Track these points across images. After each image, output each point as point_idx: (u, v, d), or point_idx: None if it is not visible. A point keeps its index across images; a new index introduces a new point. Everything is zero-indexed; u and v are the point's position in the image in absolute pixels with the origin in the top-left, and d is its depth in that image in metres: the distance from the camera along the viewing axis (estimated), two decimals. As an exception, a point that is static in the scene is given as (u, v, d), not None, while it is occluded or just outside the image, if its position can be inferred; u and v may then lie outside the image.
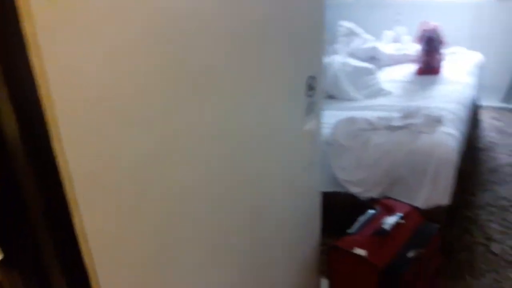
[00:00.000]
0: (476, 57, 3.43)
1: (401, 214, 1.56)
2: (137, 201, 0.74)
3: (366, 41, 3.42)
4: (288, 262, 1.39)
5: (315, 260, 1.61)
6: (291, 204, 1.33)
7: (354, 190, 2.26)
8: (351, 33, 3.44)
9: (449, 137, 2.13)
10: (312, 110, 1.30)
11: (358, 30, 3.54)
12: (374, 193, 2.21)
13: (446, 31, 4.09)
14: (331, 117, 2.45)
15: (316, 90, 1.27)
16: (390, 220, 1.52)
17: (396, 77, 3.08)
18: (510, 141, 3.36)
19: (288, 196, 1.30)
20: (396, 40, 3.69)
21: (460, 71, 3.07)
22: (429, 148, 2.08)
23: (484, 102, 4.02)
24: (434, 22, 3.09)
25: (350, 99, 2.76)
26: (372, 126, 2.29)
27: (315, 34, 1.26)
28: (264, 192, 1.16)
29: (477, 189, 2.77)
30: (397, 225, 1.53)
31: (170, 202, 0.81)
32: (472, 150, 3.23)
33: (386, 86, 2.90)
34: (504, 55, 4.22)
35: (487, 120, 3.76)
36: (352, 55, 3.23)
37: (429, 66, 3.02)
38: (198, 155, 0.86)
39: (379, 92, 2.82)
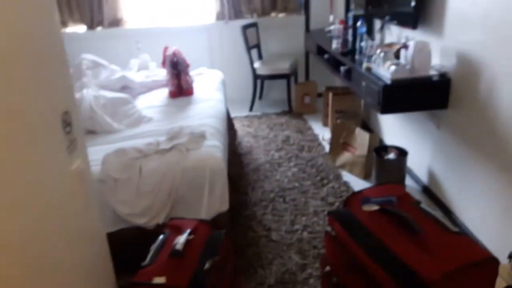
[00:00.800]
0: (218, 75, 3.81)
1: (189, 231, 1.58)
2: None
3: (113, 71, 3.36)
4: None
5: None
6: (75, 251, 1.17)
7: (140, 221, 2.18)
8: (97, 65, 3.33)
9: (214, 149, 2.28)
10: (74, 148, 1.18)
11: (103, 61, 3.46)
12: (160, 219, 2.19)
13: (189, 54, 4.42)
14: (97, 152, 2.31)
15: (73, 125, 1.16)
16: (181, 240, 1.52)
17: (152, 103, 3.13)
18: (262, 142, 3.86)
19: (69, 243, 1.14)
20: (143, 67, 3.77)
21: (209, 89, 3.36)
22: (200, 163, 2.19)
23: (235, 113, 4.54)
24: (174, 47, 3.28)
25: (111, 131, 2.65)
26: (142, 153, 2.26)
27: (59, 68, 1.15)
28: (41, 245, 0.99)
29: (248, 189, 3.07)
30: (188, 242, 1.54)
31: None
32: (236, 156, 3.58)
33: (145, 112, 2.91)
34: (240, 70, 4.86)
35: (240, 128, 4.23)
36: (104, 87, 3.13)
37: (180, 88, 3.19)
38: None
39: (141, 119, 2.81)
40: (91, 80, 3.14)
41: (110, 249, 2.18)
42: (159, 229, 1.84)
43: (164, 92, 3.29)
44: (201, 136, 2.36)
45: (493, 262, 1.26)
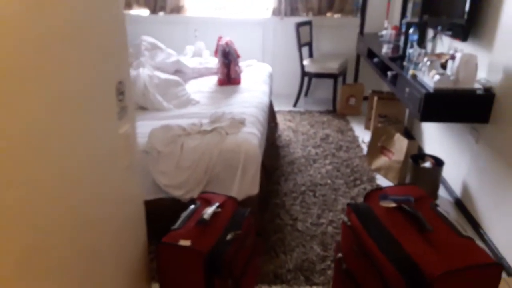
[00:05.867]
0: (266, 69, 3.94)
1: (217, 204, 1.73)
2: None
3: (169, 55, 3.58)
4: (115, 271, 1.39)
5: (144, 267, 1.64)
6: (113, 209, 1.34)
7: (176, 193, 2.36)
8: (155, 47, 3.56)
9: (251, 135, 2.42)
10: (124, 114, 1.35)
11: (161, 45, 3.69)
12: (195, 193, 2.36)
13: (242, 46, 4.57)
14: (145, 127, 2.51)
15: (125, 94, 1.33)
16: (209, 210, 1.67)
17: (201, 88, 3.32)
18: (301, 138, 3.96)
19: (109, 200, 1.31)
20: (197, 54, 3.97)
21: (256, 81, 3.50)
22: (236, 147, 2.34)
23: (279, 107, 4.66)
24: (227, 38, 3.45)
25: (161, 109, 2.86)
26: (185, 132, 2.44)
27: (119, 42, 1.32)
28: (83, 196, 1.15)
29: (281, 179, 3.19)
30: (215, 214, 1.68)
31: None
32: (274, 147, 3.71)
33: (194, 96, 3.10)
34: (289, 66, 4.98)
35: (282, 122, 4.35)
36: (159, 68, 3.36)
37: (228, 77, 3.36)
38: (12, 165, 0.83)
39: (189, 102, 3.00)
40: (147, 60, 3.36)
41: (147, 216, 2.37)
42: (192, 202, 2.00)
43: (214, 79, 3.47)
44: (241, 123, 2.50)
45: (497, 267, 1.31)
